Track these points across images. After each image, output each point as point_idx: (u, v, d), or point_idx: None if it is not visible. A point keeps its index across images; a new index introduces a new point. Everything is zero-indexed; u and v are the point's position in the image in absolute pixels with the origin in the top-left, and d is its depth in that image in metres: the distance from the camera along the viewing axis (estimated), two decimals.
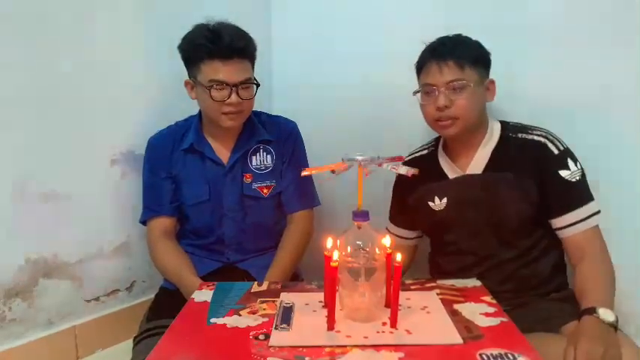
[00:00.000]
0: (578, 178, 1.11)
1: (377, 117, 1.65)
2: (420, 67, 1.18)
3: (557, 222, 1.12)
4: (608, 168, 1.29)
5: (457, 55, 1.11)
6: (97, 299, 1.42)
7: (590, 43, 1.31)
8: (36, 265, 1.27)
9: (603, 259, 1.09)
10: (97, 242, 1.40)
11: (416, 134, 1.44)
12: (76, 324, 1.36)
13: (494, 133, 1.19)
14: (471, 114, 1.13)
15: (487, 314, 0.94)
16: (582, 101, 1.34)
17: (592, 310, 0.97)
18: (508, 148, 1.17)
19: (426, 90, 1.15)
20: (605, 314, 0.96)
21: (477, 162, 1.18)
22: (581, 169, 1.13)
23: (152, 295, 1.38)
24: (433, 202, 1.23)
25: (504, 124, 1.21)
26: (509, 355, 0.79)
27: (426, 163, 1.23)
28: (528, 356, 0.78)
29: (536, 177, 1.12)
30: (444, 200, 1.21)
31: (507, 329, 0.88)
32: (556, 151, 1.12)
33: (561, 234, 1.13)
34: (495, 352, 0.80)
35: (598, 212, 1.11)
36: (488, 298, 1.01)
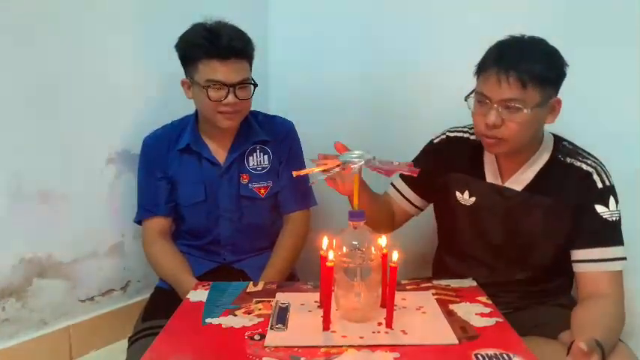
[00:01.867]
0: (614, 219, 1.04)
1: (374, 117, 1.65)
2: (481, 69, 1.04)
3: (579, 254, 1.05)
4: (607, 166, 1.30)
5: (522, 70, 0.96)
6: (91, 299, 1.41)
7: (587, 43, 1.31)
8: (30, 264, 1.26)
9: (616, 304, 1.00)
10: (91, 242, 1.40)
11: (413, 133, 1.44)
12: (70, 324, 1.35)
13: (544, 152, 1.09)
14: (521, 138, 1.02)
15: (483, 314, 0.94)
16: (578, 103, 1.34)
17: (601, 346, 0.85)
18: (555, 172, 1.08)
19: (479, 99, 1.03)
20: None
21: (519, 179, 1.10)
22: (619, 211, 1.05)
23: (147, 295, 1.37)
24: (462, 194, 1.15)
25: (557, 144, 1.11)
26: (505, 356, 0.79)
27: (470, 150, 1.15)
28: (524, 357, 0.78)
29: (573, 206, 1.05)
30: (472, 199, 1.14)
31: (503, 329, 0.89)
32: (600, 185, 1.04)
33: (579, 267, 1.05)
34: (491, 352, 0.80)
35: (624, 259, 1.04)
36: (483, 299, 1.01)
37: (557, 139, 1.12)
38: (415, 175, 0.96)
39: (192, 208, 1.33)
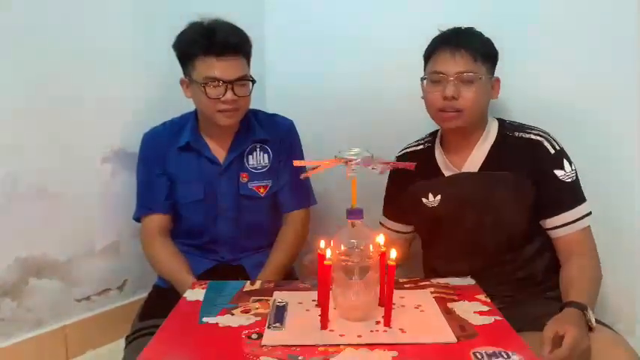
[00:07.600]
0: (573, 178, 1.11)
1: (372, 114, 1.64)
2: (430, 54, 1.15)
3: (550, 222, 1.12)
4: (604, 167, 1.30)
5: (471, 46, 1.10)
6: (87, 298, 1.40)
7: (588, 41, 1.31)
8: (25, 264, 1.25)
9: (592, 257, 1.11)
10: (87, 241, 1.39)
11: (411, 132, 1.44)
12: (66, 324, 1.34)
13: (491, 130, 1.17)
14: (477, 108, 1.12)
15: (481, 313, 0.94)
16: (577, 101, 1.34)
17: (583, 307, 0.97)
18: (505, 147, 1.15)
19: (435, 78, 1.12)
20: (591, 318, 0.96)
21: (474, 160, 1.16)
22: (575, 170, 1.13)
23: (143, 295, 1.37)
24: (427, 198, 1.21)
25: (501, 122, 1.20)
26: (503, 354, 0.78)
27: (421, 159, 1.21)
28: (522, 354, 0.78)
29: (533, 176, 1.11)
30: (438, 197, 1.19)
31: (501, 327, 0.88)
32: (552, 151, 1.12)
33: (554, 234, 1.13)
34: (489, 350, 0.80)
35: (589, 213, 1.12)
36: (482, 297, 1.01)
37: (501, 120, 1.21)
38: (412, 168, 0.99)
39: (191, 206, 1.32)
